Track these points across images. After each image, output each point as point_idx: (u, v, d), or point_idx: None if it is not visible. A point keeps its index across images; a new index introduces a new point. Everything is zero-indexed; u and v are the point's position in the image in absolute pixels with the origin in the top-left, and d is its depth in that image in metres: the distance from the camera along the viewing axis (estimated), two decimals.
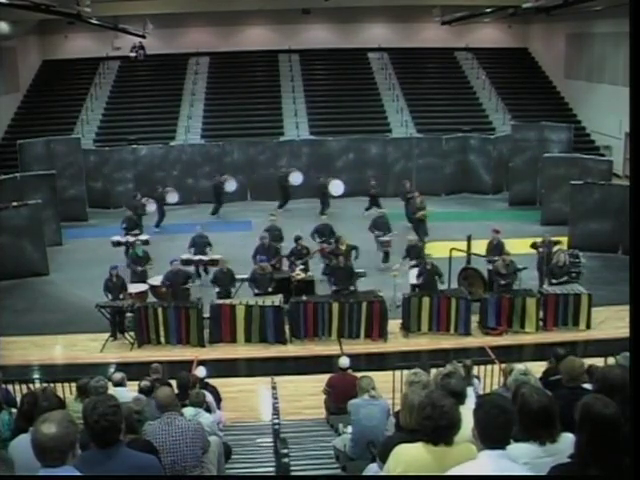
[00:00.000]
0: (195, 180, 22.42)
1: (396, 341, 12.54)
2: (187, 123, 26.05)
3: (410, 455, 3.56)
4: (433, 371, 7.43)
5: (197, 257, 15.03)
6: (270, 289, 13.06)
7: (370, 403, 6.61)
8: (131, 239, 16.31)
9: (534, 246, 14.43)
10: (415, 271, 13.66)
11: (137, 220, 18.04)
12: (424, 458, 3.49)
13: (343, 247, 14.01)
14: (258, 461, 7.55)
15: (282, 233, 15.26)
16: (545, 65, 29.82)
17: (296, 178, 21.17)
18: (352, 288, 13.24)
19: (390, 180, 21.88)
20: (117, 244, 16.57)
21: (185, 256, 14.79)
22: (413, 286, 13.49)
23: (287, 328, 12.59)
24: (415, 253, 14.15)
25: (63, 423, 3.12)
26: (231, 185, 21.17)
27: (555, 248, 14.27)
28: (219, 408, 8.65)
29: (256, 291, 13.12)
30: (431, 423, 3.49)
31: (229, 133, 24.87)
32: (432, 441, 3.50)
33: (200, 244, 15.12)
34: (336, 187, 20.68)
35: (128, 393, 7.22)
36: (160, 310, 12.43)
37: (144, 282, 13.90)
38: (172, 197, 20.49)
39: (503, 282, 13.02)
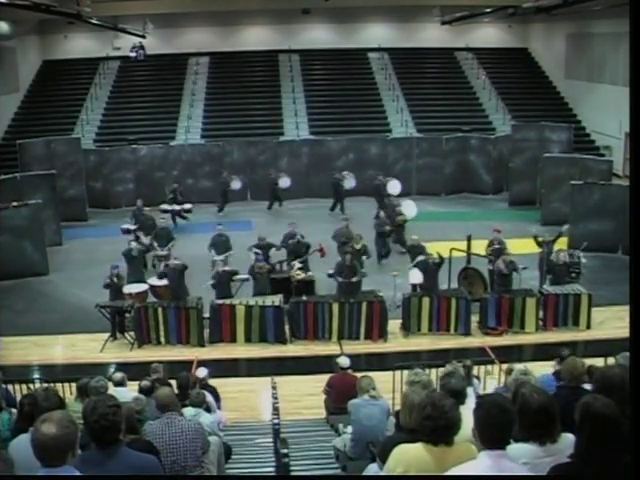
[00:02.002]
0: (195, 180, 22.41)
1: (396, 341, 12.54)
2: (187, 123, 26.05)
3: (410, 455, 3.56)
4: (433, 371, 7.46)
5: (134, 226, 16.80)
6: (269, 290, 13.07)
7: (370, 403, 6.61)
8: (177, 208, 19.35)
9: (537, 241, 14.39)
10: (415, 271, 13.65)
11: (222, 195, 20.90)
12: (424, 458, 3.49)
13: (358, 246, 13.97)
14: (258, 461, 7.54)
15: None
16: (545, 65, 29.81)
17: (394, 187, 19.13)
18: (355, 279, 13.21)
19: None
20: (164, 212, 19.02)
21: (125, 226, 16.85)
22: (414, 286, 13.48)
23: (287, 328, 12.59)
24: (416, 253, 14.10)
25: (63, 423, 3.12)
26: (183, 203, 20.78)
27: (555, 247, 14.28)
28: (219, 408, 8.65)
29: (256, 289, 13.13)
30: (431, 423, 3.49)
31: (229, 133, 24.86)
32: (432, 441, 3.49)
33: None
34: (393, 187, 19.00)
35: (128, 393, 7.22)
36: (160, 310, 12.43)
37: (143, 282, 13.89)
38: (236, 184, 21.05)
39: (500, 284, 12.97)
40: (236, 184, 21.10)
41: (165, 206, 19.43)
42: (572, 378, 4.92)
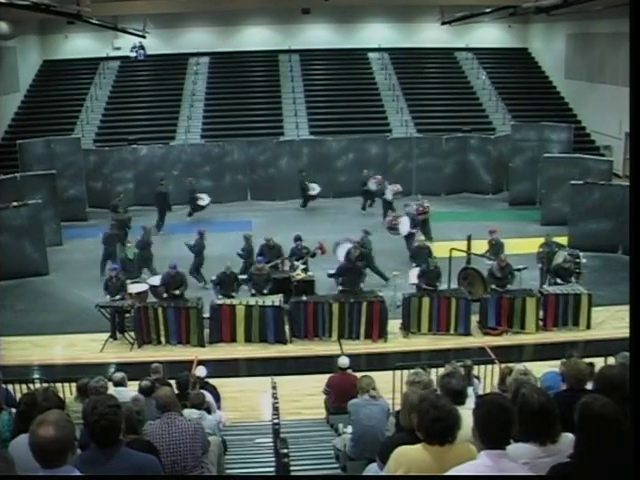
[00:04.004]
0: (195, 180, 22.37)
1: (396, 341, 12.53)
2: (187, 123, 26.05)
3: (411, 456, 3.55)
4: (433, 371, 7.45)
5: None
6: (266, 290, 13.04)
7: (370, 403, 6.61)
8: (313, 192, 20.91)
9: (539, 253, 14.35)
10: (415, 271, 13.64)
11: (362, 194, 20.65)
12: (425, 459, 3.48)
13: (356, 253, 13.91)
14: (258, 461, 7.55)
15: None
16: (545, 65, 29.81)
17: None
18: (362, 286, 13.24)
19: (390, 180, 21.82)
20: (311, 198, 20.93)
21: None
22: (418, 286, 13.41)
23: (287, 328, 12.59)
24: (423, 256, 14.01)
25: (60, 424, 3.11)
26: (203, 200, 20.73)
27: (557, 250, 14.25)
28: (219, 408, 8.65)
29: (252, 291, 13.12)
30: (440, 424, 3.46)
31: (229, 133, 24.87)
32: (435, 442, 3.48)
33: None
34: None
35: (128, 393, 7.21)
36: (160, 310, 12.42)
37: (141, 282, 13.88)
38: (372, 185, 20.25)
39: (494, 286, 12.97)
40: (372, 185, 20.04)
41: (316, 191, 20.95)
42: (577, 381, 4.89)
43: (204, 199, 20.66)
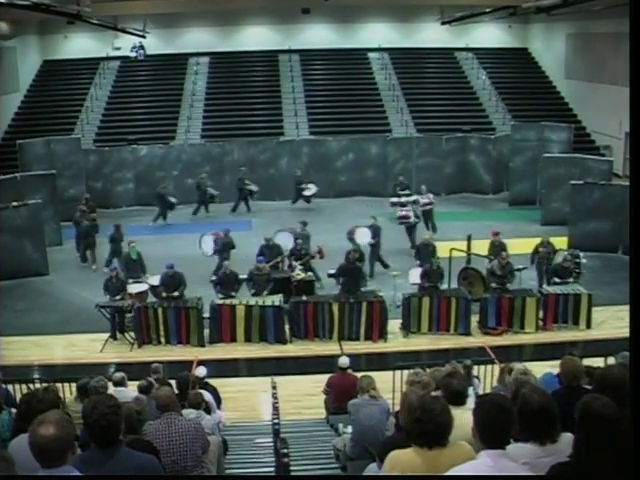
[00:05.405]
0: (195, 180, 22.37)
1: (396, 341, 12.54)
2: (187, 123, 26.04)
3: (403, 460, 3.52)
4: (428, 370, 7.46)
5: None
6: (266, 291, 13.03)
7: (370, 403, 6.61)
8: (410, 199, 18.53)
9: (536, 250, 14.35)
10: (415, 271, 13.63)
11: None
12: (416, 462, 3.45)
13: (356, 255, 13.88)
14: (258, 461, 7.55)
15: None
16: (545, 65, 29.82)
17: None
18: (363, 288, 13.25)
19: (390, 180, 21.85)
20: (395, 204, 18.65)
21: None
22: (421, 286, 13.38)
23: (287, 328, 12.59)
24: (428, 254, 13.99)
25: (61, 423, 3.11)
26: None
27: (555, 251, 14.26)
28: (219, 409, 8.64)
29: (253, 291, 13.12)
30: (420, 426, 3.46)
31: (229, 133, 24.87)
32: (425, 445, 3.46)
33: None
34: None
35: (128, 393, 7.22)
36: (160, 310, 12.43)
37: (141, 282, 13.86)
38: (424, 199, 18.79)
39: (495, 285, 12.97)
40: (424, 199, 19.01)
41: (394, 199, 19.14)
42: (573, 378, 4.90)
43: (311, 189, 20.93)
